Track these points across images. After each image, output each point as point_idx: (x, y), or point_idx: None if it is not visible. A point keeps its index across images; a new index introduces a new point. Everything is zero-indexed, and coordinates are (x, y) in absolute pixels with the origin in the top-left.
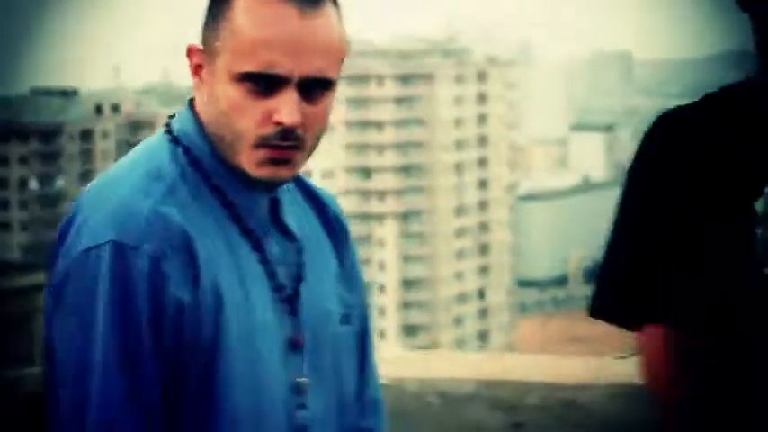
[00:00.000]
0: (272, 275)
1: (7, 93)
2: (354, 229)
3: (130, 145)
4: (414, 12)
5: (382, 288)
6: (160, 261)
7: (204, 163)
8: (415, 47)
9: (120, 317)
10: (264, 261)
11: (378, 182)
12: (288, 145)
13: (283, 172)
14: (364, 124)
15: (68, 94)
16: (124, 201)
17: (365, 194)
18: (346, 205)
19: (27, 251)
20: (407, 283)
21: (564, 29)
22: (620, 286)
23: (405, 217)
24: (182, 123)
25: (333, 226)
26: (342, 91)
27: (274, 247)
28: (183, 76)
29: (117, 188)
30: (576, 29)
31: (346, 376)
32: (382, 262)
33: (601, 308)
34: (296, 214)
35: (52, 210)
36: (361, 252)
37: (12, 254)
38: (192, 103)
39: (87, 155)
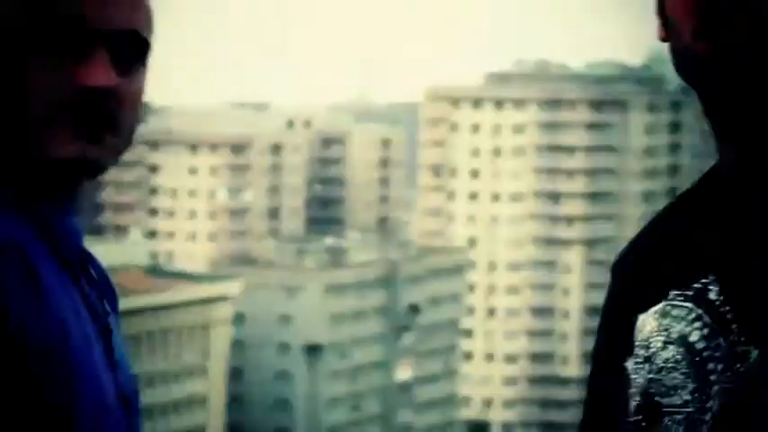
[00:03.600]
0: (96, 317)
1: (201, 103)
2: (540, 253)
3: (321, 161)
4: (610, 38)
5: (566, 314)
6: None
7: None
8: (610, 73)
9: None
10: (85, 298)
11: (566, 207)
12: (97, 120)
13: (94, 152)
14: (555, 149)
15: (261, 107)
16: None
17: (553, 219)
18: (534, 229)
19: (212, 262)
20: (591, 311)
21: None
22: None
23: (591, 244)
24: None
25: (112, 289)
26: (533, 114)
27: (85, 285)
28: (378, 93)
29: None
30: None
31: None
32: (567, 288)
33: None
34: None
35: (239, 222)
36: (545, 278)
37: (197, 264)
38: None
39: (276, 169)
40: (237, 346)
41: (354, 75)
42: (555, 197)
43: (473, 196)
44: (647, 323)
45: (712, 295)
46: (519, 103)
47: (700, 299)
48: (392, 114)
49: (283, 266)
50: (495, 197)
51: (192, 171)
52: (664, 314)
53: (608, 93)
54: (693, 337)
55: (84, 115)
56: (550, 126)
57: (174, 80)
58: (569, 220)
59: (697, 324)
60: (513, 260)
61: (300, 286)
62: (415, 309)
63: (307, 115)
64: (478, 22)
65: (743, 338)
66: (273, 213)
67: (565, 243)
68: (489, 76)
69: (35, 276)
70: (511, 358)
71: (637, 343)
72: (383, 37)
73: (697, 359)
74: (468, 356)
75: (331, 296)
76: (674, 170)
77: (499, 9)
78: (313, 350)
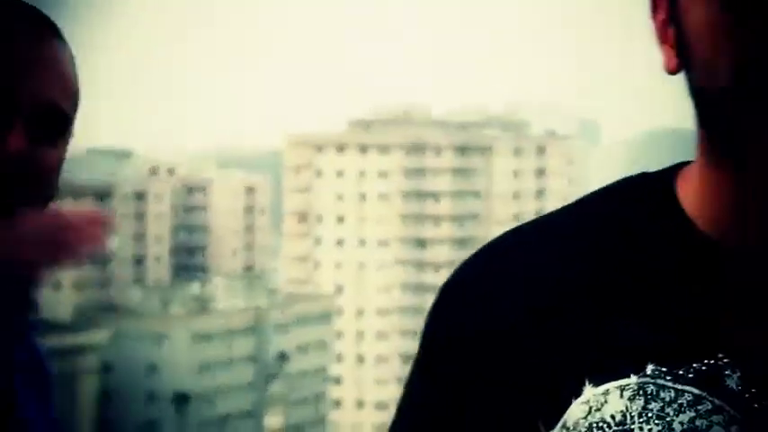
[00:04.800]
0: None
1: None
2: (408, 299)
3: (185, 209)
4: (475, 84)
5: None
6: None
7: None
8: (474, 118)
9: None
10: None
11: (433, 253)
12: (11, 183)
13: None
14: (421, 194)
15: (123, 155)
16: None
17: (420, 265)
18: (401, 275)
19: (77, 311)
20: None
21: (626, 105)
22: None
23: None
24: None
25: (35, 363)
26: (399, 160)
27: None
28: (244, 139)
29: None
30: (638, 105)
31: None
32: None
33: None
34: None
35: (103, 270)
36: (413, 323)
37: (61, 313)
38: None
39: (140, 217)
40: (105, 395)
41: (218, 121)
42: (421, 243)
43: (339, 242)
44: (611, 399)
45: (732, 383)
46: (383, 149)
47: (714, 385)
48: (256, 161)
49: (149, 314)
50: (362, 243)
51: None
52: (648, 395)
53: (472, 138)
54: None
55: None
56: (415, 171)
57: None
58: (436, 266)
59: (718, 417)
60: (381, 306)
61: (167, 334)
62: (283, 356)
63: (170, 162)
64: (342, 67)
65: None
66: (138, 261)
67: (431, 288)
68: (352, 121)
69: None
70: (381, 405)
71: (589, 419)
72: (246, 84)
73: None
74: (338, 404)
75: (198, 344)
76: (540, 215)
77: (361, 55)
78: (181, 399)
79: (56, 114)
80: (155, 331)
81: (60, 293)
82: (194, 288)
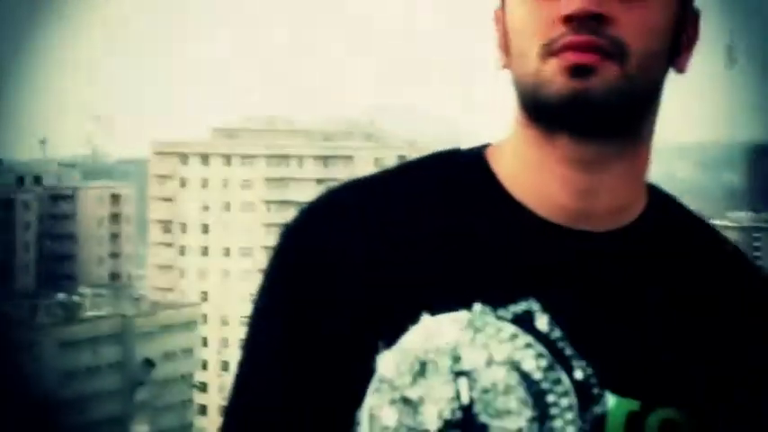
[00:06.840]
0: None
1: None
2: None
3: (51, 217)
4: (337, 93)
5: None
6: None
7: None
8: (337, 128)
9: None
10: None
11: None
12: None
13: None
14: (284, 203)
15: None
16: None
17: None
18: None
19: None
20: None
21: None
22: None
23: None
24: None
25: None
26: (262, 170)
27: None
28: (108, 148)
29: None
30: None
31: None
32: None
33: None
34: None
35: None
36: None
37: None
38: None
39: (7, 224)
40: None
41: (84, 131)
42: None
43: (204, 251)
44: (445, 329)
45: (541, 325)
46: (247, 159)
47: (525, 325)
48: (121, 170)
49: (17, 322)
50: (226, 252)
51: None
52: (475, 328)
53: (335, 148)
54: (527, 366)
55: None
56: (278, 181)
57: None
58: None
59: (530, 352)
60: (246, 314)
61: (35, 342)
62: (149, 363)
63: (36, 171)
64: (204, 76)
65: (592, 381)
66: (5, 269)
67: None
68: (216, 130)
69: None
70: None
71: (425, 345)
72: (111, 93)
73: (536, 390)
74: (204, 410)
75: (66, 351)
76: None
77: (226, 64)
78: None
79: None
80: (22, 339)
81: None
82: (61, 296)
